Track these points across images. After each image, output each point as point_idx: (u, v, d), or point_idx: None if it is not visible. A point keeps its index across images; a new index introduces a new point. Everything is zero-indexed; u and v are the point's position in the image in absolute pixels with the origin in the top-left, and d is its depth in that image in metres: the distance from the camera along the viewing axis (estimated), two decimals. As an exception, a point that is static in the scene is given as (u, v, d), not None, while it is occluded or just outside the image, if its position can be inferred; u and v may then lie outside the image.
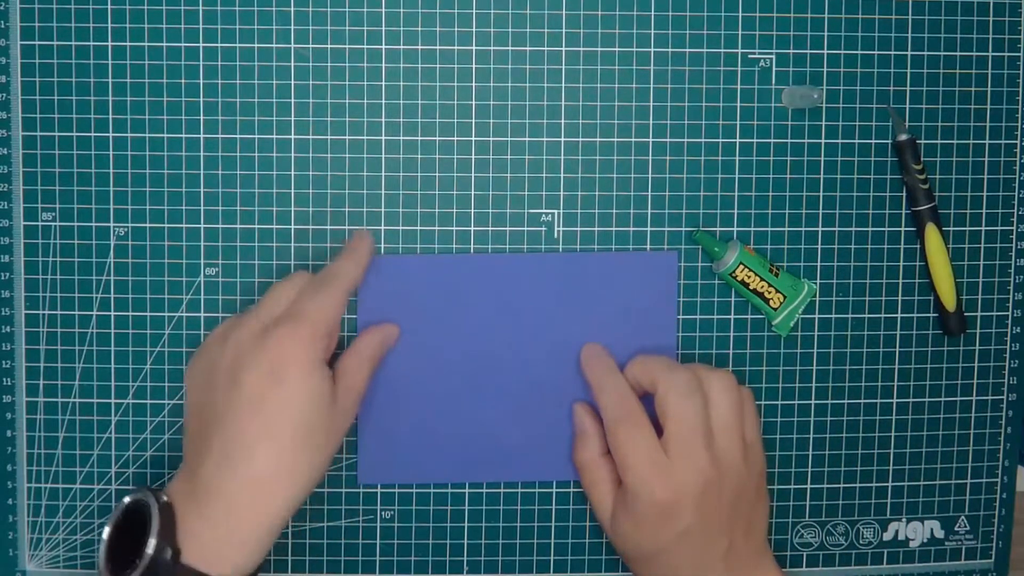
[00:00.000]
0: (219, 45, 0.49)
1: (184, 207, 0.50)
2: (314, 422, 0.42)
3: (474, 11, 0.50)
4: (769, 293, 0.49)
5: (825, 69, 0.51)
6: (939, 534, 0.53)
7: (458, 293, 0.50)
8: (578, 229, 0.51)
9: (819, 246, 0.51)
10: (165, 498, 0.42)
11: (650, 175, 0.51)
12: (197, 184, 0.50)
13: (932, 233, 0.51)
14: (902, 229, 0.51)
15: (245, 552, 0.41)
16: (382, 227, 0.50)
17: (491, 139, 0.50)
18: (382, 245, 0.50)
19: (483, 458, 0.51)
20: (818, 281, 0.51)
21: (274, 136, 0.50)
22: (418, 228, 0.50)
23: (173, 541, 0.40)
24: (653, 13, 0.50)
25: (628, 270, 0.50)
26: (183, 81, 0.50)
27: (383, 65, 0.50)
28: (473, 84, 0.50)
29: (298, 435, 0.42)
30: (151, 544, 0.40)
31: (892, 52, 0.51)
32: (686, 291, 0.51)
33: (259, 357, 0.42)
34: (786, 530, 0.52)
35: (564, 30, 0.50)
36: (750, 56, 0.50)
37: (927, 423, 0.52)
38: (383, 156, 0.50)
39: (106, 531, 0.42)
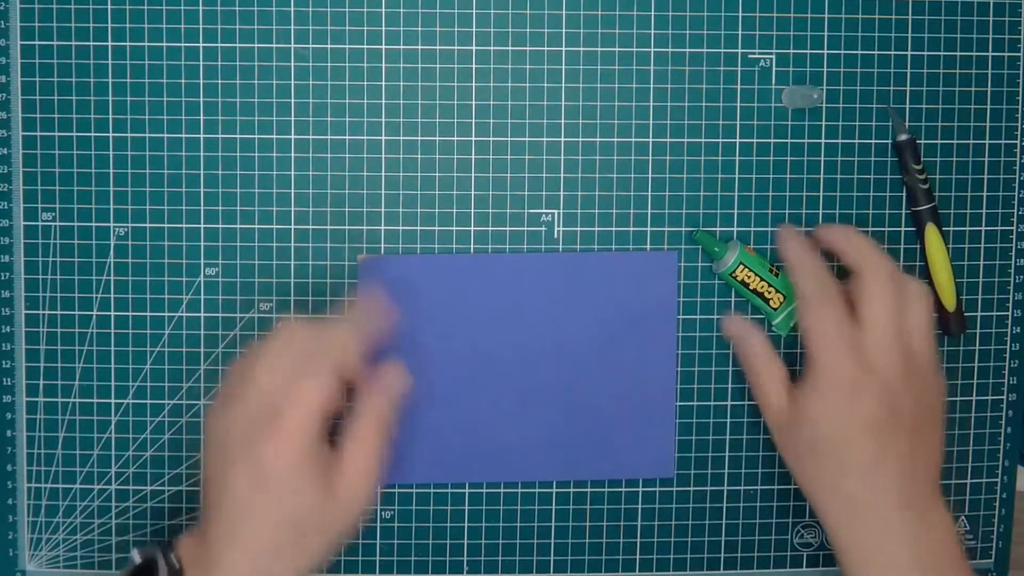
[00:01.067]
0: (219, 45, 0.49)
1: (184, 207, 0.50)
2: (303, 526, 0.42)
3: (474, 11, 0.50)
4: (769, 293, 0.49)
5: (825, 69, 0.51)
6: (939, 534, 0.53)
7: (458, 293, 0.50)
8: (578, 229, 0.51)
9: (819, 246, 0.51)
10: (176, 562, 0.42)
11: (650, 175, 0.51)
12: (197, 184, 0.50)
13: (932, 233, 0.51)
14: (902, 229, 0.51)
15: None
16: (382, 227, 0.50)
17: (491, 139, 0.50)
18: (382, 245, 0.50)
19: (483, 458, 0.51)
20: (818, 281, 0.51)
21: (274, 136, 0.50)
22: (418, 228, 0.50)
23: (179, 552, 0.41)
24: (653, 13, 0.50)
25: (628, 270, 0.50)
26: (183, 81, 0.50)
27: (383, 65, 0.50)
28: (473, 84, 0.50)
29: (285, 540, 0.42)
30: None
31: (892, 52, 0.51)
32: (686, 291, 0.51)
33: (244, 463, 0.41)
34: (786, 530, 0.52)
35: (564, 30, 0.50)
36: (750, 56, 0.50)
37: (927, 423, 0.52)
38: (383, 156, 0.50)
39: None
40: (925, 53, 0.51)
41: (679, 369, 0.51)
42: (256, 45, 0.50)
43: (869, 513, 0.43)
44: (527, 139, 0.50)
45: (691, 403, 0.51)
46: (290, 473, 0.41)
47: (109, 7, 0.49)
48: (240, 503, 0.41)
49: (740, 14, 0.50)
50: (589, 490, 0.51)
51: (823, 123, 0.51)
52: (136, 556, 0.43)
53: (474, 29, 0.50)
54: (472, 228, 0.50)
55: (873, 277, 0.45)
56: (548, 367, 0.50)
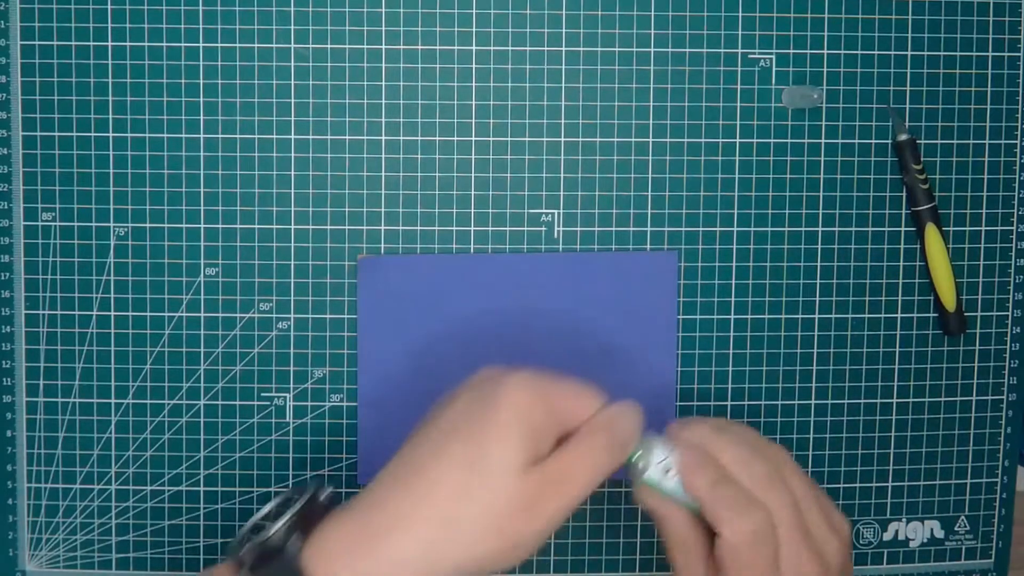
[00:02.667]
0: (219, 45, 0.49)
1: (184, 207, 0.50)
2: (487, 536, 0.36)
3: (474, 11, 0.50)
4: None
5: (825, 69, 0.50)
6: (939, 534, 0.53)
7: (458, 293, 0.50)
8: (578, 229, 0.51)
9: (819, 246, 0.51)
10: (323, 498, 0.38)
11: (650, 175, 0.51)
12: (197, 184, 0.50)
13: (932, 233, 0.51)
14: (902, 229, 0.51)
15: None
16: (382, 227, 0.50)
17: (491, 139, 0.50)
18: (382, 245, 0.50)
19: None
20: (818, 281, 0.51)
21: (274, 136, 0.50)
22: (418, 228, 0.50)
23: (305, 534, 0.36)
24: (653, 13, 0.50)
25: (628, 270, 0.50)
26: (183, 81, 0.50)
27: (383, 65, 0.50)
28: (473, 84, 0.50)
29: (457, 539, 0.36)
30: (280, 523, 0.37)
31: (892, 52, 0.51)
32: (686, 291, 0.51)
33: (463, 468, 0.36)
34: (786, 530, 0.52)
35: (564, 30, 0.50)
36: (750, 56, 0.50)
37: (927, 423, 0.52)
38: (383, 156, 0.50)
39: (266, 508, 0.39)
40: (925, 53, 0.51)
41: (679, 369, 0.51)
42: (256, 45, 0.50)
43: None
44: (527, 139, 0.50)
45: (691, 403, 0.51)
46: (507, 472, 0.36)
47: (109, 7, 0.49)
48: (447, 491, 0.36)
49: (740, 14, 0.50)
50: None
51: (823, 123, 0.51)
52: (306, 487, 0.39)
53: (474, 29, 0.50)
54: (472, 228, 0.50)
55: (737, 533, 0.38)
56: (548, 368, 0.50)
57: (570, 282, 0.50)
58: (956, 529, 0.53)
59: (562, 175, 0.50)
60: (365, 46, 0.50)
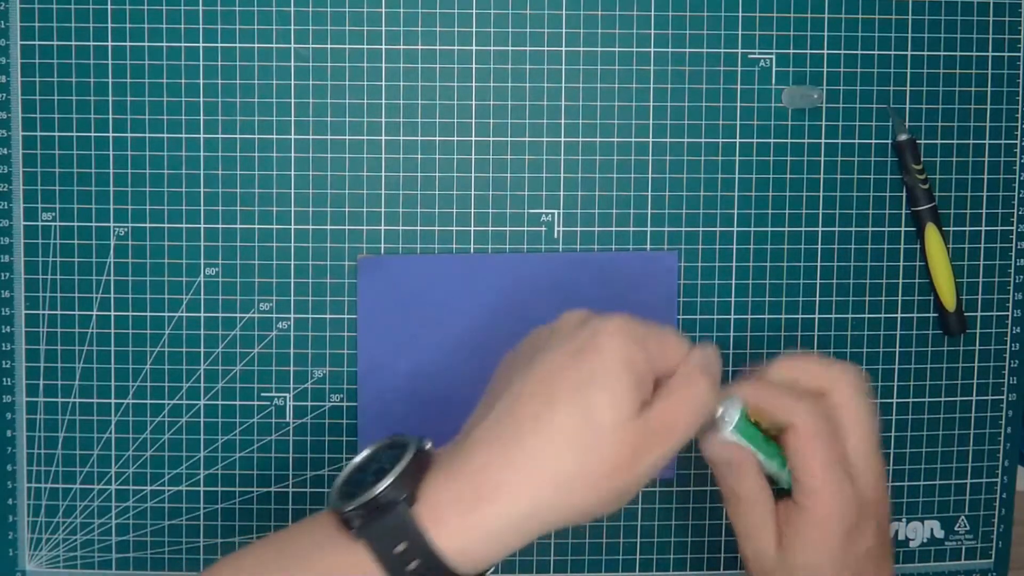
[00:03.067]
0: (219, 45, 0.49)
1: (184, 207, 0.50)
2: (596, 486, 0.35)
3: (474, 11, 0.50)
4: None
5: (825, 69, 0.51)
6: (939, 534, 0.53)
7: (458, 293, 0.50)
8: (578, 229, 0.51)
9: (819, 246, 0.51)
10: (428, 445, 0.37)
11: (650, 175, 0.51)
12: (197, 184, 0.50)
13: (932, 233, 0.51)
14: (902, 229, 0.51)
15: (478, 542, 0.35)
16: (382, 227, 0.50)
17: (491, 139, 0.50)
18: (382, 245, 0.50)
19: None
20: (818, 281, 0.51)
21: (274, 136, 0.50)
22: (418, 228, 0.50)
23: (414, 489, 0.35)
24: (653, 13, 0.50)
25: (628, 270, 0.50)
26: (183, 81, 0.50)
27: (383, 65, 0.50)
28: (473, 84, 0.50)
29: (564, 486, 0.35)
30: (389, 478, 0.35)
31: (892, 52, 0.51)
32: (686, 291, 0.51)
33: (580, 390, 0.35)
34: (786, 530, 0.52)
35: (564, 30, 0.50)
36: (750, 56, 0.50)
37: (927, 423, 0.52)
38: (383, 156, 0.50)
39: (358, 458, 0.37)
40: (925, 53, 0.51)
41: (679, 369, 0.51)
42: (256, 45, 0.50)
43: None
44: (527, 139, 0.50)
45: (691, 403, 0.51)
46: (617, 423, 0.35)
47: (109, 7, 0.49)
48: (559, 448, 0.35)
49: (740, 14, 0.50)
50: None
51: (823, 123, 0.51)
52: (391, 438, 0.38)
53: (474, 29, 0.50)
54: (472, 228, 0.50)
55: (849, 395, 0.39)
56: None
57: (570, 282, 0.50)
58: (956, 529, 0.53)
59: (562, 175, 0.50)
60: (365, 46, 0.50)
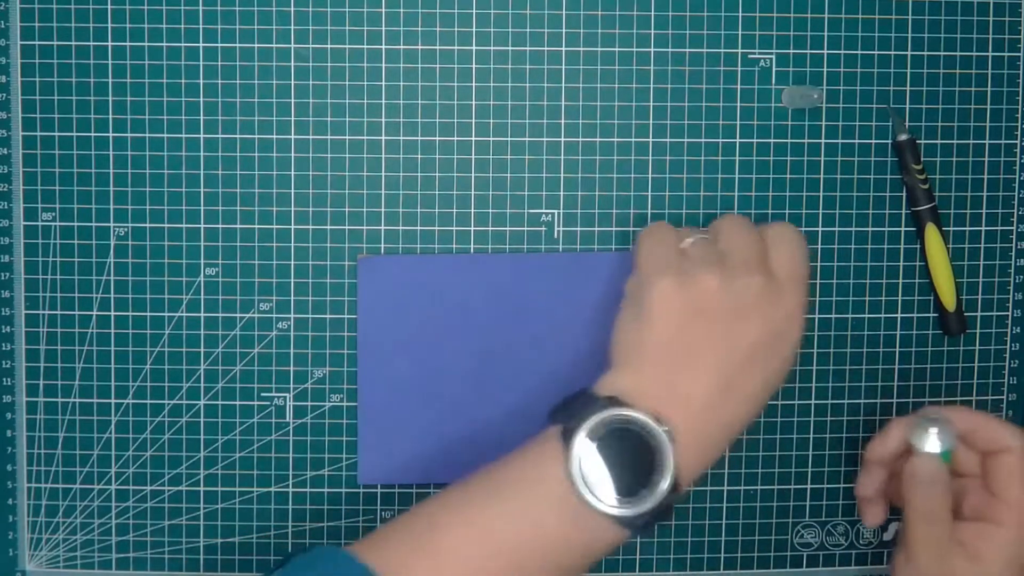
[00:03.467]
0: (219, 45, 0.49)
1: (184, 207, 0.50)
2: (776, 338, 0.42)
3: (474, 11, 0.50)
4: None
5: (825, 69, 0.51)
6: (939, 534, 0.53)
7: (458, 293, 0.50)
8: (578, 229, 0.51)
9: (819, 246, 0.51)
10: (668, 428, 0.40)
11: (650, 175, 0.51)
12: (197, 184, 0.50)
13: (932, 233, 0.51)
14: (902, 229, 0.51)
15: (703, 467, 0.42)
16: (382, 227, 0.50)
17: (491, 139, 0.50)
18: (382, 245, 0.50)
19: (483, 458, 0.51)
20: (818, 281, 0.51)
21: (274, 136, 0.50)
22: (418, 228, 0.50)
23: (679, 472, 0.40)
24: (653, 13, 0.50)
25: (628, 270, 0.50)
26: (183, 81, 0.50)
27: (383, 65, 0.50)
28: (473, 84, 0.50)
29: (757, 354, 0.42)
30: (667, 478, 0.39)
31: (892, 52, 0.51)
32: (686, 291, 0.51)
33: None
34: (786, 530, 0.52)
35: (564, 30, 0.50)
36: (750, 56, 0.50)
37: (927, 423, 0.52)
38: (383, 156, 0.50)
39: (579, 445, 0.40)
40: (925, 53, 0.51)
41: (679, 369, 0.51)
42: (256, 45, 0.50)
43: None
44: (527, 139, 0.50)
45: (691, 403, 0.51)
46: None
47: (109, 7, 0.49)
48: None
49: (740, 14, 0.50)
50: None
51: (823, 123, 0.51)
52: (620, 412, 0.40)
53: (474, 29, 0.50)
54: (472, 228, 0.50)
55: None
56: (548, 367, 0.50)
57: (569, 283, 0.50)
58: None
59: (562, 175, 0.50)
60: (365, 46, 0.50)
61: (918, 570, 0.42)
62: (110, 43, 0.49)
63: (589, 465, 0.39)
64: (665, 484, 0.39)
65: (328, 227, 0.50)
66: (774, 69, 0.50)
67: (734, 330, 0.41)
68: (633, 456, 0.39)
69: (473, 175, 0.50)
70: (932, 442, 0.42)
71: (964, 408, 0.45)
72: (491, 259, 0.50)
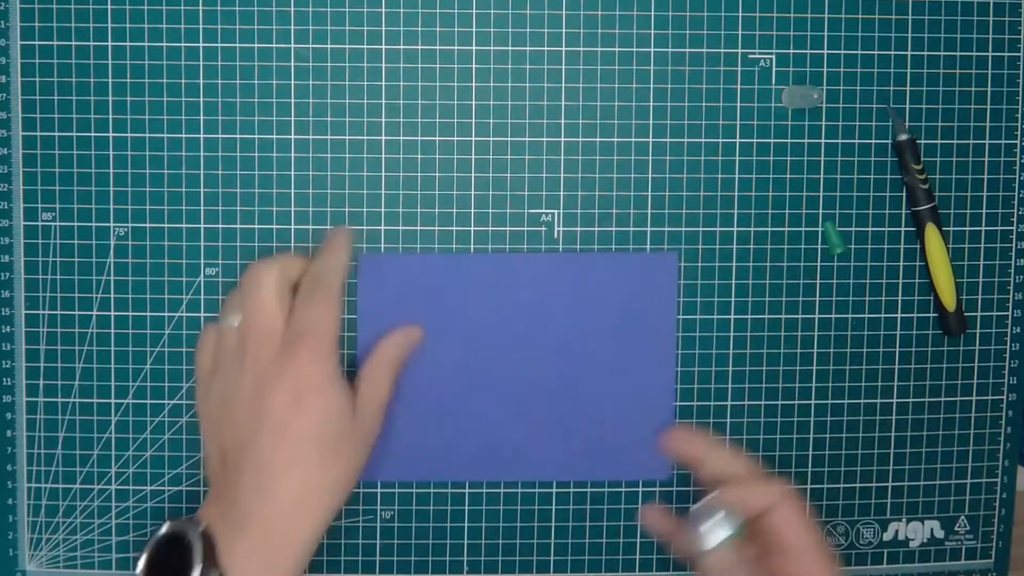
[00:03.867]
0: (219, 45, 0.49)
1: (184, 207, 0.50)
2: (337, 439, 0.43)
3: (474, 11, 0.50)
4: None
5: (825, 69, 0.51)
6: (939, 534, 0.53)
7: (458, 293, 0.50)
8: (578, 229, 0.51)
9: (819, 246, 0.51)
10: (203, 526, 0.42)
11: (650, 175, 0.51)
12: (197, 184, 0.50)
13: (932, 233, 0.51)
14: (902, 229, 0.51)
15: (287, 571, 0.42)
16: (382, 227, 0.50)
17: (491, 139, 0.50)
18: (382, 245, 0.50)
19: (483, 457, 0.51)
20: (818, 281, 0.51)
21: (274, 136, 0.50)
22: (418, 228, 0.50)
23: (217, 568, 0.41)
24: (653, 13, 0.50)
25: (628, 270, 0.50)
26: (183, 81, 0.50)
27: (383, 65, 0.50)
28: (473, 84, 0.50)
29: (324, 455, 0.43)
30: (197, 572, 0.40)
31: (892, 52, 0.51)
32: (686, 291, 0.51)
33: (281, 382, 0.42)
34: (786, 530, 0.52)
35: (564, 30, 0.50)
36: (750, 56, 0.50)
37: (927, 423, 0.52)
38: (383, 156, 0.50)
39: (142, 561, 0.42)
40: (925, 53, 0.51)
41: (679, 369, 0.51)
42: (256, 45, 0.50)
43: None
44: (527, 139, 0.50)
45: (691, 403, 0.51)
46: (326, 381, 0.43)
47: (109, 7, 0.49)
48: (275, 430, 0.42)
49: (740, 14, 0.50)
50: (589, 490, 0.51)
51: (823, 123, 0.51)
52: (166, 527, 0.42)
53: (474, 29, 0.50)
54: (472, 228, 0.50)
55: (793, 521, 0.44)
56: (547, 367, 0.50)
57: (569, 283, 0.50)
58: (956, 529, 0.53)
59: (562, 175, 0.50)
60: (365, 46, 0.50)
61: None
62: (110, 43, 0.49)
63: None
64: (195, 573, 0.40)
65: (328, 227, 0.50)
66: (774, 69, 0.50)
67: (249, 416, 0.43)
68: (174, 561, 0.41)
69: (473, 175, 0.50)
70: (716, 534, 0.43)
71: (726, 466, 0.46)
72: (491, 259, 0.50)
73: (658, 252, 0.51)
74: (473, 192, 0.50)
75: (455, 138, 0.50)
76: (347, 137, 0.50)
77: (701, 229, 0.51)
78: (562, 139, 0.50)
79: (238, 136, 0.50)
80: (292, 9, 0.49)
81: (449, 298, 0.50)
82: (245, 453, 0.42)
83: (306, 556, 0.43)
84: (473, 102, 0.50)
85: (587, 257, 0.50)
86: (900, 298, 0.52)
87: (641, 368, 0.51)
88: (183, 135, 0.50)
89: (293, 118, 0.50)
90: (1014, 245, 0.52)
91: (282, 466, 0.42)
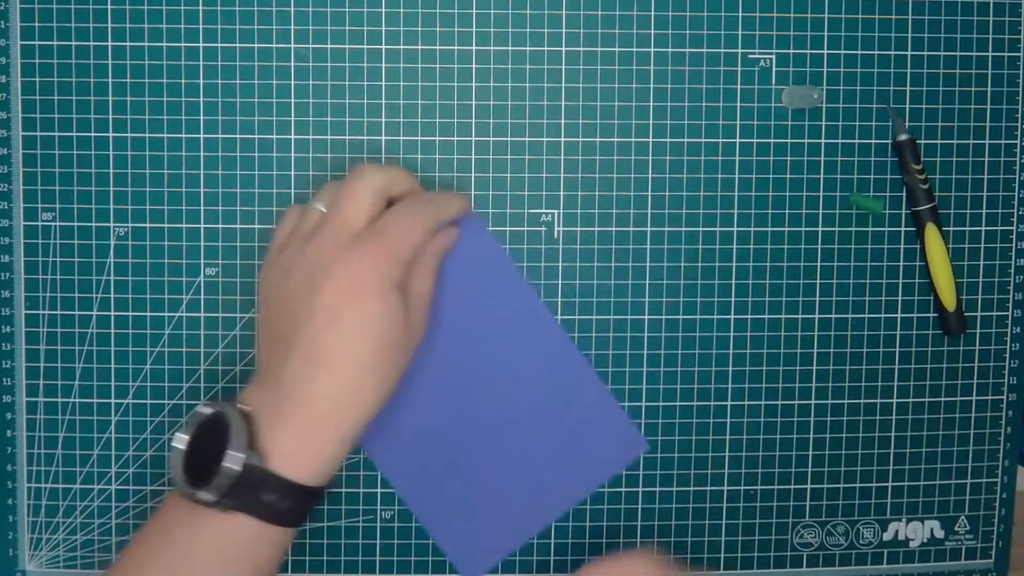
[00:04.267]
0: (219, 45, 0.49)
1: (184, 207, 0.50)
2: (390, 341, 0.42)
3: (474, 11, 0.50)
4: None
5: (825, 69, 0.51)
6: (939, 534, 0.53)
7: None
8: (578, 229, 0.51)
9: (819, 246, 0.51)
10: (246, 407, 0.41)
11: (650, 175, 0.51)
12: (197, 184, 0.50)
13: (932, 233, 0.51)
14: (902, 229, 0.51)
15: (326, 460, 0.41)
16: (382, 227, 0.50)
17: (491, 139, 0.50)
18: (382, 245, 0.50)
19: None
20: (818, 281, 0.51)
21: (274, 136, 0.50)
22: (418, 228, 0.50)
23: (256, 451, 0.40)
24: (653, 13, 0.50)
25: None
26: (183, 81, 0.50)
27: (383, 65, 0.50)
28: (473, 84, 0.50)
29: (375, 352, 0.42)
30: (236, 455, 0.40)
31: (892, 52, 0.51)
32: (686, 291, 0.51)
33: (339, 274, 0.41)
34: (786, 530, 0.52)
35: (564, 30, 0.50)
36: (750, 56, 0.50)
37: (927, 423, 0.52)
38: (383, 156, 0.50)
39: (182, 441, 0.41)
40: (925, 53, 0.51)
41: (679, 369, 0.51)
42: (256, 45, 0.50)
43: None
44: (527, 139, 0.50)
45: (691, 403, 0.51)
46: (383, 285, 0.42)
47: (109, 7, 0.49)
48: (327, 322, 0.41)
49: (740, 14, 0.50)
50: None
51: (823, 123, 0.51)
52: (207, 409, 0.42)
53: (474, 29, 0.50)
54: (472, 228, 0.50)
55: None
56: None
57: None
58: (956, 529, 0.53)
59: (562, 175, 0.50)
60: (365, 46, 0.50)
61: None
62: (110, 43, 0.49)
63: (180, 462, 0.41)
64: (235, 457, 0.40)
65: (328, 227, 0.50)
66: (774, 69, 0.50)
67: (303, 299, 0.42)
68: (212, 442, 0.40)
69: (473, 175, 0.50)
70: None
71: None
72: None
73: (632, 433, 0.51)
74: (473, 192, 0.50)
75: (455, 138, 0.50)
76: (347, 137, 0.50)
77: (701, 229, 0.51)
78: (562, 139, 0.50)
79: (238, 136, 0.50)
80: (292, 9, 0.49)
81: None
82: (296, 337, 0.41)
83: (344, 451, 0.42)
84: (473, 102, 0.50)
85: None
86: (900, 298, 0.52)
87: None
88: (183, 135, 0.50)
89: (293, 118, 0.50)
90: (1014, 245, 0.52)
91: (332, 355, 0.41)
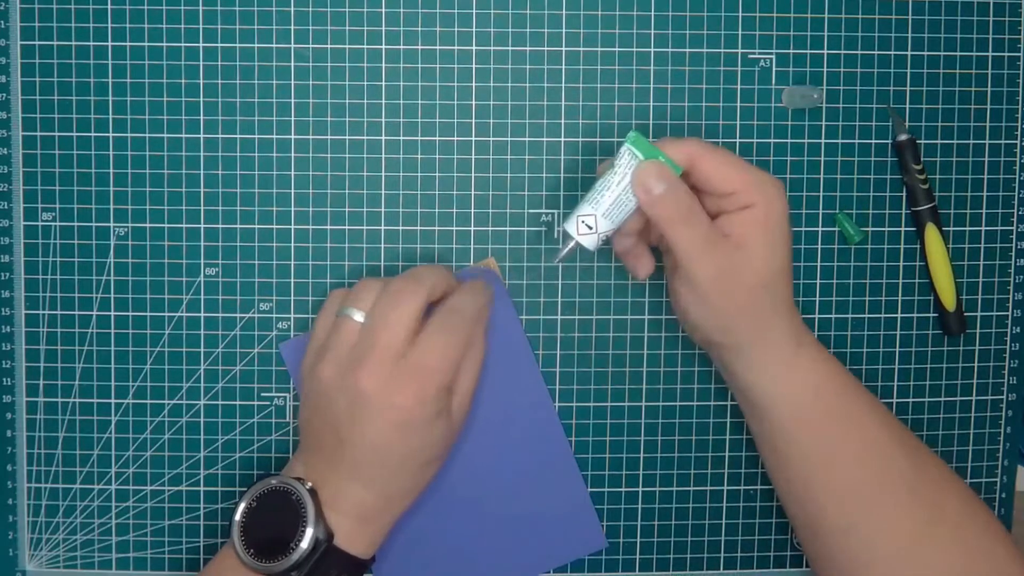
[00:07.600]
0: (219, 45, 0.49)
1: (184, 207, 0.50)
2: (434, 455, 0.44)
3: (474, 11, 0.50)
4: None
5: (825, 69, 0.51)
6: (939, 534, 0.53)
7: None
8: (578, 229, 0.51)
9: (819, 246, 0.51)
10: (311, 484, 0.43)
11: (650, 175, 0.50)
12: (197, 184, 0.50)
13: (932, 233, 0.51)
14: (902, 229, 0.51)
15: (377, 540, 0.45)
16: (382, 227, 0.50)
17: (491, 139, 0.50)
18: (382, 245, 0.50)
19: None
20: (818, 281, 0.51)
21: (274, 136, 0.50)
22: (418, 228, 0.50)
23: (327, 525, 0.43)
24: (653, 13, 0.50)
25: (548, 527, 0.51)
26: (183, 81, 0.50)
27: (383, 65, 0.50)
28: (473, 84, 0.50)
29: (422, 468, 0.44)
30: (309, 533, 0.42)
31: (892, 52, 0.51)
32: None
33: (384, 412, 0.42)
34: (786, 530, 0.52)
35: (564, 30, 0.50)
36: (750, 56, 0.50)
37: (927, 423, 0.52)
38: (383, 156, 0.50)
39: (239, 513, 0.43)
40: (925, 53, 0.51)
41: (679, 369, 0.51)
42: (256, 45, 0.50)
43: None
44: (527, 139, 0.50)
45: (691, 403, 0.51)
46: (426, 419, 0.43)
47: (109, 7, 0.49)
48: (374, 451, 0.43)
49: (740, 14, 0.50)
50: (589, 490, 0.51)
51: (823, 123, 0.51)
52: (273, 482, 0.43)
53: (474, 29, 0.50)
54: (472, 228, 0.50)
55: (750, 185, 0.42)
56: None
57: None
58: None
59: (562, 175, 0.50)
60: (365, 46, 0.50)
61: (695, 279, 0.41)
62: (110, 43, 0.49)
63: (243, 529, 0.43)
64: (308, 535, 0.42)
65: (328, 227, 0.50)
66: (774, 69, 0.50)
67: (348, 427, 0.43)
68: (282, 516, 0.43)
69: (473, 175, 0.50)
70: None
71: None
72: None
73: (596, 531, 0.51)
74: (473, 192, 0.50)
75: (455, 138, 0.50)
76: (347, 137, 0.50)
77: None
78: (562, 139, 0.50)
79: (238, 136, 0.50)
80: (292, 9, 0.49)
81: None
82: (344, 449, 0.43)
83: (391, 528, 0.45)
84: (473, 102, 0.50)
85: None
86: (900, 298, 0.52)
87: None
88: (183, 135, 0.50)
89: (293, 118, 0.50)
90: (1014, 245, 0.52)
91: (384, 477, 0.43)
